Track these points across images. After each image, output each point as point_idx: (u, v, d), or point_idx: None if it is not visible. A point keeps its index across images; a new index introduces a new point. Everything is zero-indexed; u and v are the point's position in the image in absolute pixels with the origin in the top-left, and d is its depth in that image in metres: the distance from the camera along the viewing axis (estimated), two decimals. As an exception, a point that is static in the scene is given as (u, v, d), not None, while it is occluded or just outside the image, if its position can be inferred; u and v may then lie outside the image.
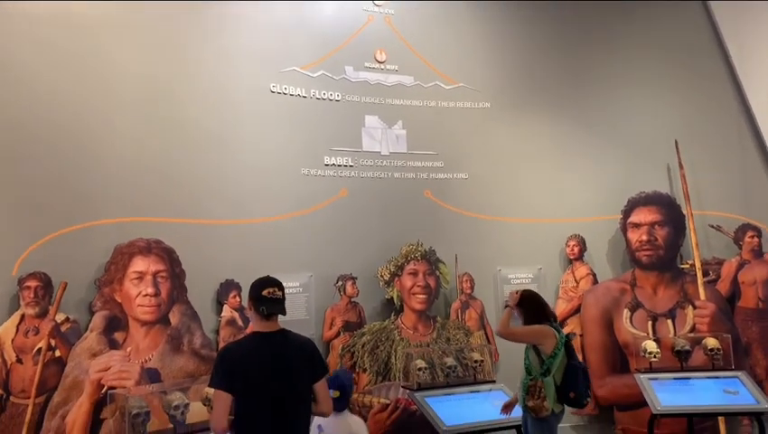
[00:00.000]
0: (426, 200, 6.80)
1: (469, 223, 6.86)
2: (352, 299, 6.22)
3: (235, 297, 5.59)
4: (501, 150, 7.08)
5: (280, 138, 6.20)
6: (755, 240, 6.66)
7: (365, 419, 5.79)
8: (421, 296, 6.37)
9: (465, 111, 7.04)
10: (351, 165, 6.53)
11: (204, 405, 4.45)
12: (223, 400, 2.99)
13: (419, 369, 5.65)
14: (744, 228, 6.73)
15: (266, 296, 3.13)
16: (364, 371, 6.06)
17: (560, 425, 6.35)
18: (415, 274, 6.40)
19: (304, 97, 6.38)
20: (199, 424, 4.34)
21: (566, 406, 4.45)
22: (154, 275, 5.21)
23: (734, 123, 6.98)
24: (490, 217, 6.94)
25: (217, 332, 5.52)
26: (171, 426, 4.26)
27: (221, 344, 5.32)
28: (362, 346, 6.11)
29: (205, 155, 5.78)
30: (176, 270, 5.33)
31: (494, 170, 7.03)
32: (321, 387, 3.22)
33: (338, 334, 6.11)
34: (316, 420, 4.03)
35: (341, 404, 4.01)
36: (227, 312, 5.56)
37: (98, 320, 5.00)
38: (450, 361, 5.91)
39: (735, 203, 6.86)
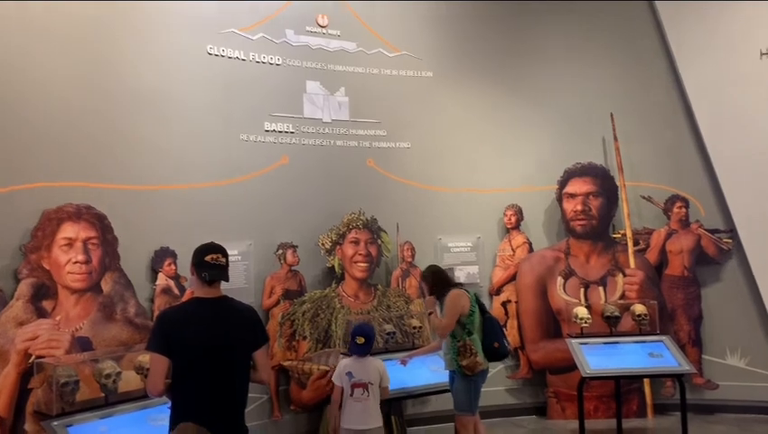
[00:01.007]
0: (369, 168, 6.78)
1: (411, 192, 6.89)
2: (293, 268, 6.18)
3: (170, 264, 5.46)
4: (443, 120, 7.11)
5: (218, 102, 6.03)
6: (683, 210, 6.94)
7: (304, 387, 5.84)
8: (362, 264, 6.39)
9: (408, 80, 7.02)
10: (291, 132, 6.42)
11: (138, 373, 4.39)
12: (159, 363, 2.96)
13: (359, 336, 5.69)
14: (673, 199, 6.99)
15: (210, 261, 3.09)
16: (304, 338, 6.07)
17: (496, 389, 6.63)
18: (356, 242, 6.40)
19: (243, 60, 6.20)
20: (132, 392, 4.29)
21: (489, 367, 4.72)
22: (85, 241, 5.01)
23: (667, 98, 7.18)
24: (431, 187, 7.00)
25: (152, 300, 5.40)
26: (102, 395, 4.19)
27: (156, 313, 5.21)
28: (302, 314, 6.11)
29: (139, 118, 5.56)
30: (108, 237, 5.15)
31: (436, 140, 7.06)
32: (261, 355, 3.20)
33: (278, 303, 6.07)
34: (346, 367, 4.43)
35: (365, 349, 4.44)
36: (162, 280, 5.43)
37: (25, 288, 4.78)
38: (389, 327, 5.99)
39: (665, 175, 7.10)
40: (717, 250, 6.84)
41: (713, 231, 6.87)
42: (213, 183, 5.89)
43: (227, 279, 3.14)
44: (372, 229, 6.50)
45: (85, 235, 5.02)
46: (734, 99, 6.81)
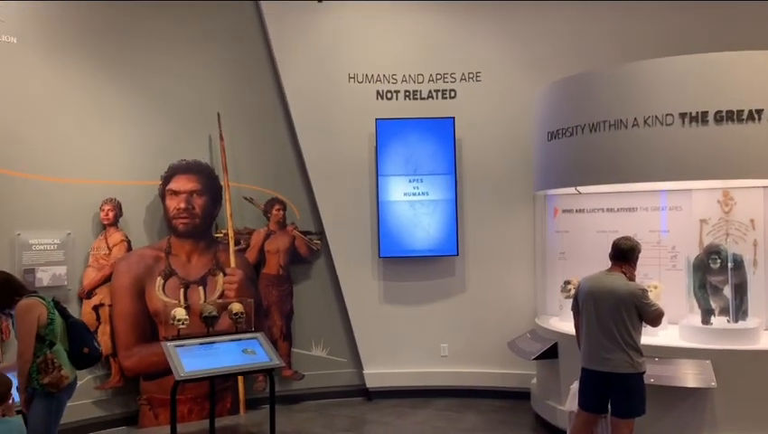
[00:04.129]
0: None
1: (-20, 177, 5.74)
2: None
3: None
4: (29, 96, 6.12)
5: None
6: (281, 213, 7.37)
7: None
8: None
9: (-16, 41, 5.84)
10: None
11: None
12: None
13: None
14: (273, 201, 7.37)
15: None
16: None
17: (81, 402, 6.00)
18: None
19: None
20: None
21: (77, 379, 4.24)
22: None
23: (270, 104, 7.47)
24: (9, 171, 5.96)
25: None
26: None
27: None
28: None
29: None
30: None
31: (19, 118, 6.04)
32: None
33: None
34: None
35: None
36: None
37: None
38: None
39: (266, 179, 7.41)
40: (309, 250, 7.46)
41: (305, 233, 7.47)
42: None
43: None
44: None
45: None
46: (325, 113, 7.50)
